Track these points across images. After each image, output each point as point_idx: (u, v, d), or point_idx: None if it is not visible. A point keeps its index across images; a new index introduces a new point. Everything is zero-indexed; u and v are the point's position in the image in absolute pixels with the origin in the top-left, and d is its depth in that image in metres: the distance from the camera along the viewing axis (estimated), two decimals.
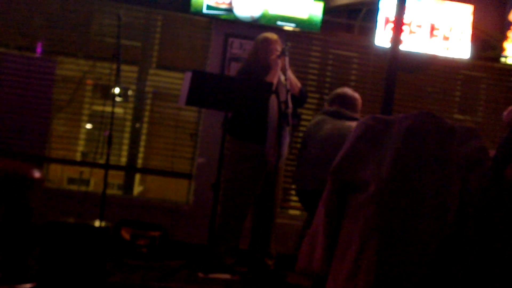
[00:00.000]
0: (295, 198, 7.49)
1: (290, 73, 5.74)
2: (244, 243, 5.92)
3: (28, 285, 4.33)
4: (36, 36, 6.95)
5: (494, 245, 3.82)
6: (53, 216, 4.98)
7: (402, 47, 6.27)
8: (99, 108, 7.00)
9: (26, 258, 4.46)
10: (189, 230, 6.61)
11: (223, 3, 6.81)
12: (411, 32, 7.28)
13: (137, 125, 7.48)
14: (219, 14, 6.84)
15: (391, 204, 3.84)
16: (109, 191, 6.12)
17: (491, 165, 3.92)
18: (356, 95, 5.78)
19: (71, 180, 8.35)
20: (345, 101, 5.70)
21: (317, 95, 7.57)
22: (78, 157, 7.55)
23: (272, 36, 5.91)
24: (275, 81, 5.67)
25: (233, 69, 6.77)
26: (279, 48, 5.80)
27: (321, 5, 6.98)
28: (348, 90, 5.79)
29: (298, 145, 7.29)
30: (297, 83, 5.92)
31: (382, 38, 7.17)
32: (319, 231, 4.04)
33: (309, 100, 7.04)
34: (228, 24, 7.01)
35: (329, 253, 3.99)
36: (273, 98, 5.66)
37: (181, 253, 6.46)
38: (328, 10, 7.19)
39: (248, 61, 5.96)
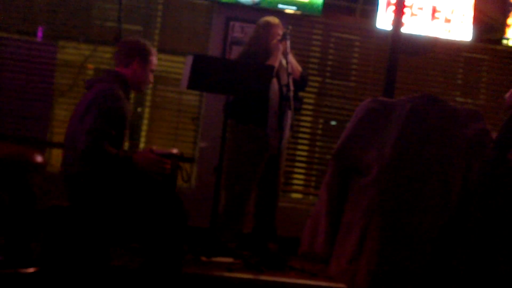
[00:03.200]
0: (297, 181, 7.50)
1: (291, 57, 5.73)
2: (247, 227, 5.93)
3: (31, 269, 4.35)
4: (37, 20, 6.93)
5: (497, 227, 3.82)
6: (55, 200, 4.97)
7: (404, 30, 6.27)
8: None
9: (29, 242, 4.47)
10: (192, 214, 6.61)
11: None
12: (412, 14, 7.26)
13: (139, 109, 7.48)
14: None
15: (394, 187, 3.84)
16: None
17: (494, 148, 3.92)
18: None
19: None
20: None
21: (318, 79, 7.56)
22: None
23: (274, 20, 5.90)
24: (276, 65, 5.67)
25: (235, 52, 6.76)
26: (280, 32, 5.79)
27: None
28: None
29: (301, 128, 7.31)
30: (298, 67, 5.92)
31: (383, 21, 7.15)
32: (322, 214, 4.05)
33: (311, 83, 7.03)
34: (229, 8, 6.99)
35: (332, 236, 4.00)
36: (274, 81, 5.66)
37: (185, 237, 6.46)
38: None
39: (250, 45, 5.95)
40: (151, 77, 4.57)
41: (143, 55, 4.50)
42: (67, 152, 4.34)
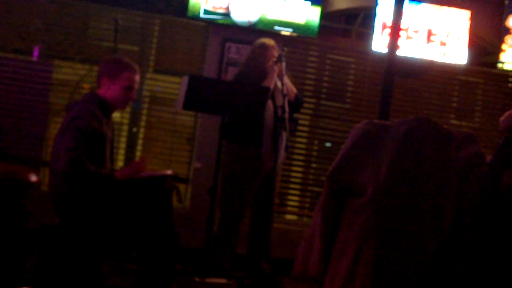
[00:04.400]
0: (292, 203, 7.50)
1: (286, 79, 5.74)
2: (241, 248, 5.92)
3: None
4: (33, 39, 6.95)
5: (492, 251, 3.82)
6: (49, 219, 4.96)
7: (399, 53, 6.29)
8: None
9: (22, 262, 4.45)
10: (186, 235, 6.60)
11: (220, 7, 6.81)
12: (408, 37, 7.29)
13: (134, 129, 7.48)
14: (216, 19, 6.84)
15: (388, 208, 3.84)
16: None
17: (488, 171, 3.93)
18: None
19: None
20: None
21: (314, 100, 7.58)
22: None
23: (269, 42, 5.91)
24: (272, 86, 5.68)
25: (231, 73, 6.78)
26: (276, 53, 5.80)
27: (318, 10, 6.98)
28: None
29: (296, 150, 7.32)
30: (293, 89, 5.94)
31: (379, 43, 7.17)
32: (316, 235, 4.04)
33: (306, 105, 7.06)
34: (225, 29, 7.02)
35: (326, 257, 3.99)
36: (269, 103, 5.67)
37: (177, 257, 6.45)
38: (325, 15, 7.20)
39: (245, 66, 5.96)
40: (128, 94, 4.48)
41: (111, 73, 4.44)
42: (51, 173, 4.35)
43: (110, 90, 4.41)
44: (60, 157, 4.09)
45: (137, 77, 4.52)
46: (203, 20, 6.90)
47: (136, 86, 4.54)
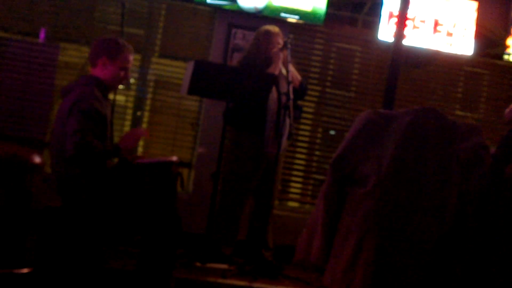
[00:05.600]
0: (294, 190, 7.51)
1: (291, 66, 5.73)
2: (242, 234, 5.92)
3: (25, 270, 4.34)
4: (40, 22, 6.94)
5: (493, 242, 3.83)
6: (52, 201, 4.98)
7: (405, 42, 6.28)
8: None
9: (24, 243, 4.46)
10: (188, 219, 6.61)
11: None
12: (414, 27, 7.27)
13: (138, 113, 7.48)
14: (222, 4, 6.83)
15: (390, 198, 3.84)
16: None
17: (492, 163, 3.93)
18: None
19: None
20: None
21: (318, 88, 7.57)
22: None
23: (274, 28, 5.89)
24: (276, 73, 5.67)
25: (236, 59, 6.76)
26: (280, 40, 5.79)
27: None
28: None
29: (300, 137, 7.32)
30: (297, 76, 5.92)
31: (385, 32, 7.16)
32: (318, 223, 4.05)
33: (310, 92, 7.05)
34: (231, 15, 7.00)
35: (327, 245, 4.00)
36: (273, 90, 5.66)
37: (179, 241, 6.46)
38: (332, 3, 7.18)
39: (249, 53, 5.94)
40: (124, 74, 4.47)
41: (111, 53, 4.43)
42: (54, 158, 4.34)
43: (107, 70, 4.40)
44: (67, 141, 4.09)
45: (132, 58, 4.53)
46: (209, 5, 6.89)
47: (130, 66, 4.54)
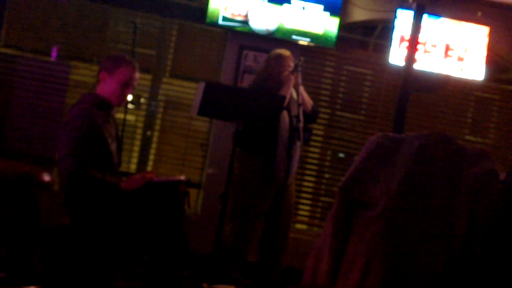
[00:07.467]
0: (303, 212, 7.50)
1: (302, 89, 5.73)
2: (251, 255, 5.91)
3: (33, 287, 4.34)
4: (52, 40, 6.99)
5: (502, 269, 3.81)
6: (62, 218, 4.99)
7: (416, 66, 6.28)
8: None
9: (32, 260, 4.47)
10: (196, 240, 6.61)
11: (239, 15, 6.83)
12: (425, 51, 7.28)
13: (148, 133, 7.50)
14: (234, 26, 6.86)
15: (399, 223, 3.83)
16: None
17: (501, 188, 3.92)
18: None
19: None
20: None
21: (329, 111, 7.59)
22: None
23: (285, 52, 5.91)
24: (287, 95, 5.68)
25: (247, 81, 6.78)
26: (292, 64, 5.80)
27: (337, 21, 6.98)
28: None
29: (309, 159, 7.32)
30: (309, 100, 5.93)
31: (396, 56, 7.17)
32: (326, 246, 4.04)
33: (321, 115, 7.06)
34: (243, 36, 7.03)
35: (335, 268, 3.99)
36: (284, 113, 5.66)
37: (186, 262, 6.46)
38: (343, 26, 7.20)
39: (260, 76, 5.95)
40: (125, 90, 4.40)
41: (109, 68, 4.37)
42: (60, 176, 4.32)
43: (106, 85, 4.32)
44: (62, 163, 4.06)
45: (136, 75, 4.43)
46: (221, 26, 6.91)
47: (135, 83, 4.45)
